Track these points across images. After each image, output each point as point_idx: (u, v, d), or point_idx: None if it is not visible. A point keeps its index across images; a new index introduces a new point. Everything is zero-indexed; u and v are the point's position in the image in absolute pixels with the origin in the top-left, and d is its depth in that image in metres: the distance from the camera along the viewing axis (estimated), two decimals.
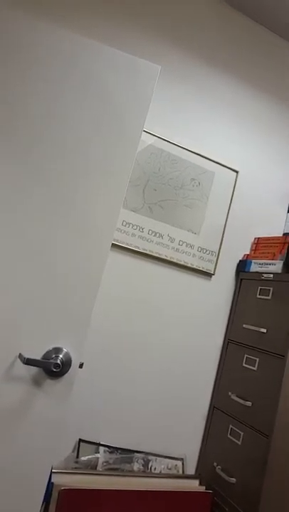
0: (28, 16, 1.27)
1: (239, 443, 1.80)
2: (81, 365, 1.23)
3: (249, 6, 2.20)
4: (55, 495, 1.48)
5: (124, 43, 1.97)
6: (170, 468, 1.91)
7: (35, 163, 1.21)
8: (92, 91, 1.27)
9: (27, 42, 1.24)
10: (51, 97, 1.24)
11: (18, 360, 1.14)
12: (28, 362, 1.09)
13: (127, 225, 1.92)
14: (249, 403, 1.79)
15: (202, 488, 1.81)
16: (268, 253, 2.06)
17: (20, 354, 1.13)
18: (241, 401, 1.83)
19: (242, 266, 2.15)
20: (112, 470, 1.76)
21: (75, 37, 1.28)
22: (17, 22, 1.24)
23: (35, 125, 1.22)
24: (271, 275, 1.93)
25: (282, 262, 1.93)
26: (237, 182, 2.20)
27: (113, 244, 1.87)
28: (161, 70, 2.03)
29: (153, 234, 1.97)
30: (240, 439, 1.80)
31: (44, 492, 1.17)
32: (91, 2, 1.91)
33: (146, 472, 1.84)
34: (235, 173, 2.19)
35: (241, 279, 2.14)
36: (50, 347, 1.17)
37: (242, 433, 1.80)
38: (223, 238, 2.14)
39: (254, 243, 2.21)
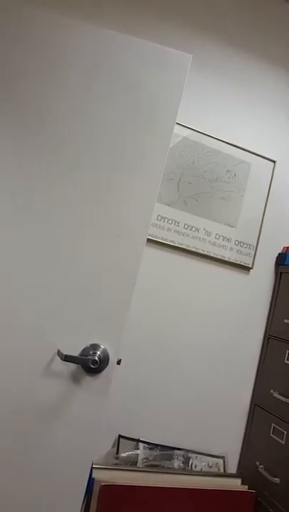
0: (55, 13, 1.26)
1: (283, 442, 1.74)
2: (119, 362, 1.22)
3: None
4: (96, 490, 1.49)
5: (154, 35, 1.93)
6: (211, 467, 1.88)
7: (65, 159, 1.21)
8: (123, 84, 1.25)
9: (55, 39, 1.24)
10: (81, 93, 1.23)
11: (57, 356, 1.15)
12: (66, 358, 1.09)
13: (162, 220, 1.90)
14: None
15: (245, 488, 1.77)
16: None
17: (58, 351, 1.13)
18: (283, 399, 1.76)
19: (281, 259, 2.08)
20: (152, 467, 1.75)
21: (103, 31, 1.26)
22: (45, 19, 1.24)
23: (66, 121, 1.22)
24: None
25: None
26: (274, 172, 2.12)
27: (148, 239, 1.86)
28: (194, 60, 1.98)
29: (189, 228, 1.94)
30: (284, 438, 1.74)
31: (85, 487, 1.17)
32: None
33: (186, 470, 1.82)
34: (272, 163, 2.11)
35: (281, 273, 2.07)
36: (88, 343, 1.17)
37: (285, 432, 1.74)
38: (261, 231, 2.08)
39: None
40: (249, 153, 2.07)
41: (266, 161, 2.10)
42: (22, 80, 1.22)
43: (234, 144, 2.04)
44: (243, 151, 2.06)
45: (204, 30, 2.02)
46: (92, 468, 1.53)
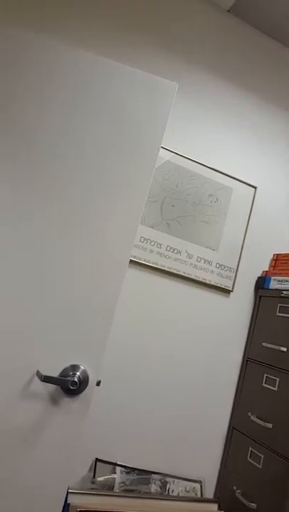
0: (44, 37, 1.30)
1: (259, 466, 1.74)
2: (98, 383, 1.22)
3: (268, 23, 2.22)
4: None
5: (141, 62, 2.00)
6: (188, 491, 1.86)
7: (50, 181, 1.22)
8: (109, 109, 1.28)
9: (43, 62, 1.27)
10: (66, 116, 1.26)
11: (36, 377, 1.13)
12: (46, 379, 1.08)
13: (145, 241, 1.92)
14: (270, 425, 1.74)
15: None
16: (288, 270, 2.03)
17: (37, 371, 1.12)
18: (261, 422, 1.77)
19: (261, 283, 2.12)
20: (128, 491, 1.72)
21: (90, 56, 1.30)
22: (33, 43, 1.27)
23: (51, 143, 1.24)
24: None
25: None
26: (255, 198, 2.18)
27: (131, 261, 1.87)
28: (181, 87, 2.06)
29: (171, 250, 1.96)
30: (261, 462, 1.74)
31: None
32: (106, 23, 1.95)
33: (163, 494, 1.79)
34: (253, 189, 2.18)
35: (260, 296, 2.11)
36: (68, 364, 1.16)
37: (262, 456, 1.74)
38: (242, 254, 2.12)
39: (273, 259, 2.18)
40: (231, 179, 2.13)
41: (248, 186, 2.17)
42: (11, 100, 1.24)
43: (217, 169, 2.09)
44: (226, 177, 2.12)
45: (190, 59, 2.10)
46: (67, 492, 1.49)
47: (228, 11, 2.20)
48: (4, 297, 1.16)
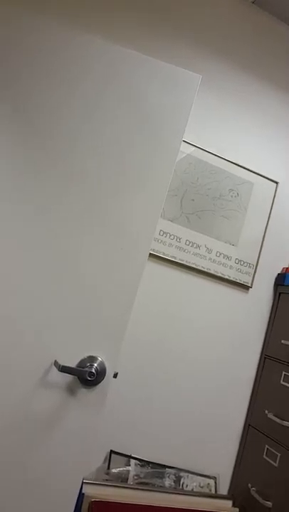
0: (67, 27, 1.29)
1: (276, 465, 1.72)
2: (115, 375, 1.22)
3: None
4: (85, 506, 1.46)
5: (166, 54, 1.98)
6: (202, 487, 1.85)
7: (70, 173, 1.22)
8: (131, 100, 1.27)
9: (68, 52, 1.27)
10: (89, 107, 1.25)
11: (54, 367, 1.14)
12: (63, 369, 1.09)
13: (164, 235, 1.91)
14: (287, 423, 1.71)
15: (236, 510, 1.74)
16: None
17: (55, 361, 1.13)
18: (278, 420, 1.75)
19: (281, 279, 2.08)
20: (142, 484, 1.72)
21: (114, 47, 1.29)
22: (57, 34, 1.27)
23: (72, 134, 1.24)
24: None
25: None
26: (276, 193, 2.14)
27: (150, 254, 1.86)
28: (202, 79, 2.02)
29: (190, 244, 1.95)
30: (277, 460, 1.72)
31: (75, 502, 1.16)
32: (129, 15, 1.94)
33: (177, 489, 1.79)
34: (275, 184, 2.14)
35: (280, 293, 2.07)
36: (85, 355, 1.17)
37: (279, 454, 1.72)
38: (262, 250, 2.09)
39: None
40: (252, 174, 2.10)
41: (269, 181, 2.13)
42: (33, 92, 1.24)
43: (238, 163, 2.06)
44: (247, 171, 2.08)
45: (213, 51, 2.07)
46: (82, 483, 1.51)
47: (253, 2, 2.16)
48: (23, 288, 1.16)
